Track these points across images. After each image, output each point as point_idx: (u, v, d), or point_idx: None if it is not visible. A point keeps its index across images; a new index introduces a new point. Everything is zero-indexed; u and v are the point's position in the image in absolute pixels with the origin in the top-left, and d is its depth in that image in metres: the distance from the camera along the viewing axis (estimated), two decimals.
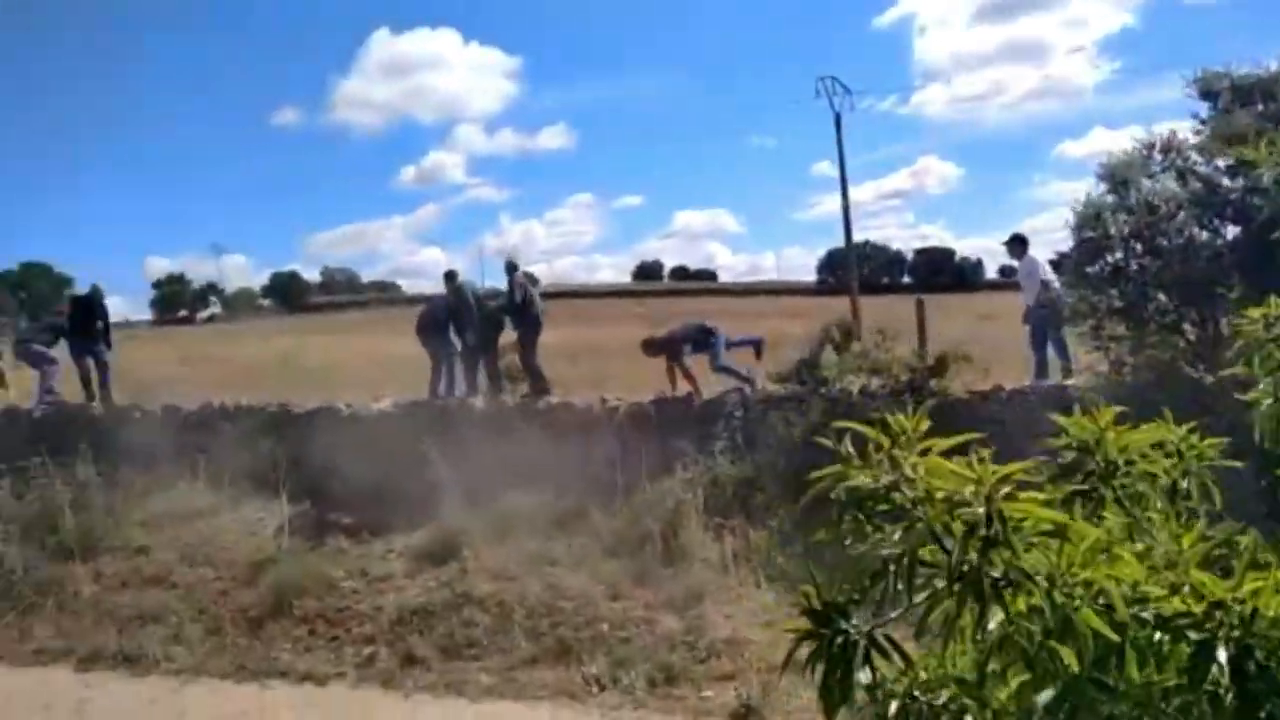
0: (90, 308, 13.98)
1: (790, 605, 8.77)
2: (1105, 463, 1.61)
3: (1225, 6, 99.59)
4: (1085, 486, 1.62)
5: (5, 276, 67.69)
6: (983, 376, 10.68)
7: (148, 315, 65.40)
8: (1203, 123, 9.10)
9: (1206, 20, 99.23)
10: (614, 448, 10.90)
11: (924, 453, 1.40)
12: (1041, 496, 1.33)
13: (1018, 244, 11.27)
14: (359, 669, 8.43)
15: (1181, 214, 8.88)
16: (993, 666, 1.38)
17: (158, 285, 74.42)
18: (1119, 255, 9.20)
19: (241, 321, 56.69)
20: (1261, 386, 1.83)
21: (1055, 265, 10.95)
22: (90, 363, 13.51)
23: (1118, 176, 9.13)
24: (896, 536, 1.35)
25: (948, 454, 1.41)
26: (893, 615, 1.37)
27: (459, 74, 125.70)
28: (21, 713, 7.77)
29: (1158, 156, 9.20)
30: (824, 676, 1.36)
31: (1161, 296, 9.27)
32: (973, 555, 1.28)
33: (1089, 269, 9.54)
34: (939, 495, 1.33)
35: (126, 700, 8.24)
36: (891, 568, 1.35)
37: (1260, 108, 8.67)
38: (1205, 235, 8.99)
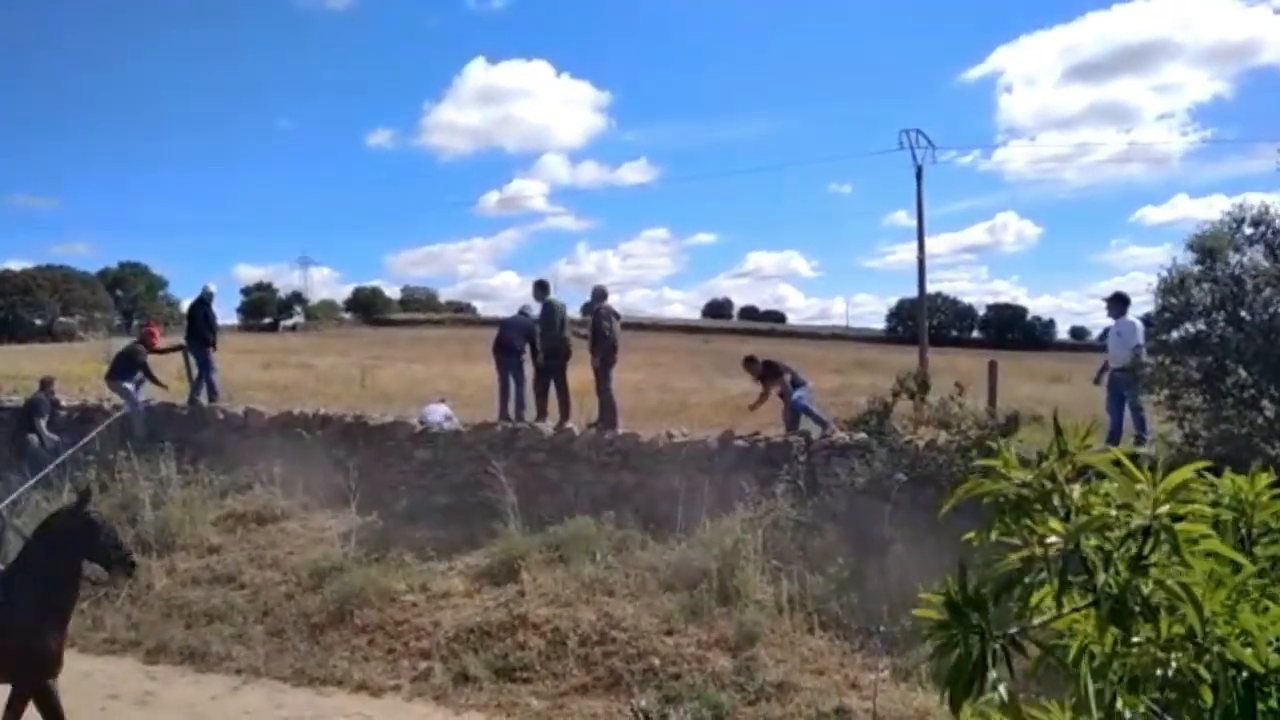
0: (195, 309, 14.38)
1: (843, 654, 8.62)
2: (1250, 527, 1.55)
3: None
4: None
5: (103, 274, 70.70)
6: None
7: (234, 320, 67.53)
8: None
9: None
10: (677, 482, 10.87)
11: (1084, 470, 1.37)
12: (1208, 512, 1.29)
13: (1119, 303, 10.87)
14: (414, 683, 8.47)
15: (1268, 289, 8.58)
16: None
17: (245, 292, 76.90)
18: (1201, 325, 8.90)
19: (323, 332, 58.11)
20: None
21: None
22: (194, 362, 13.89)
23: (1207, 246, 8.86)
24: (1050, 540, 1.31)
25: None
26: (1036, 622, 1.33)
27: (548, 105, 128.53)
28: (90, 700, 7.94)
29: (1247, 229, 8.91)
30: (952, 670, 1.32)
31: (1241, 371, 8.92)
32: (1124, 572, 1.24)
33: (1169, 337, 9.25)
34: (1096, 508, 1.30)
35: (189, 695, 8.40)
36: (1036, 574, 1.32)
37: None
38: None
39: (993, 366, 11.48)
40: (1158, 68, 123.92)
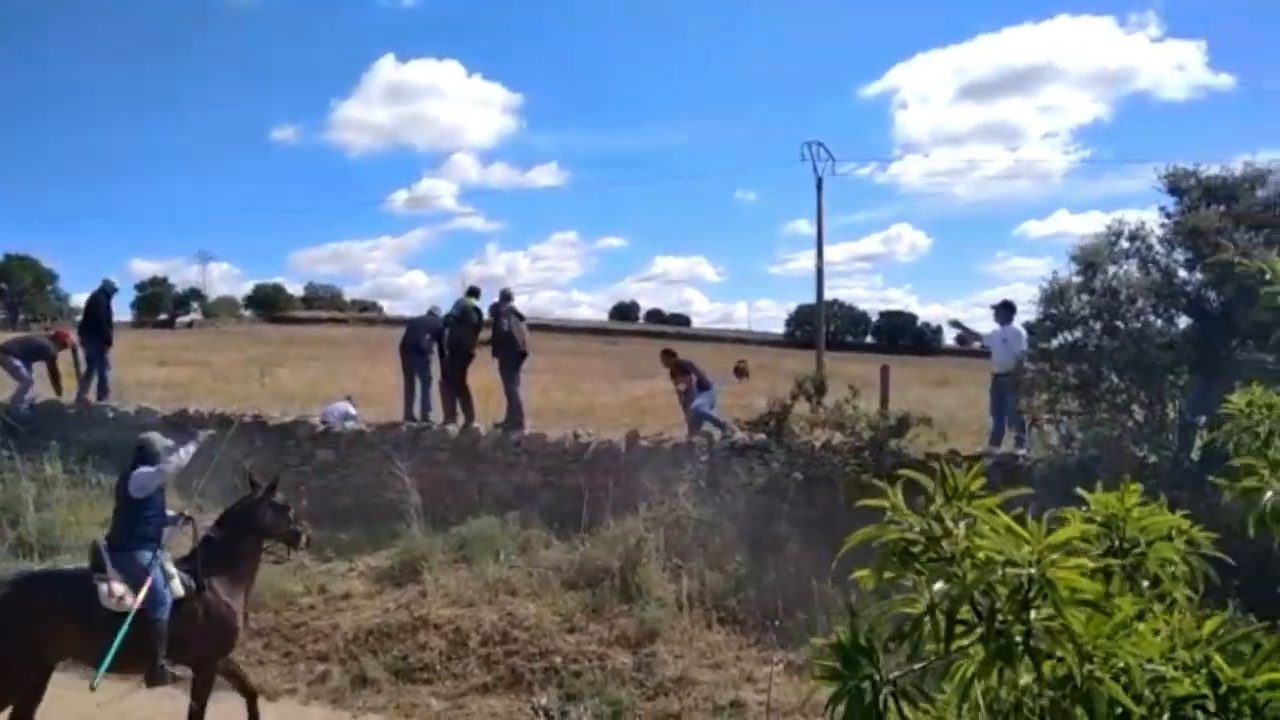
0: (95, 302, 13.50)
1: (739, 649, 8.71)
2: (1123, 540, 1.59)
3: (1193, 108, 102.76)
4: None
5: None
6: (940, 439, 10.74)
7: (128, 316, 64.47)
8: (1168, 216, 9.28)
9: (1175, 119, 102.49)
10: (582, 482, 10.83)
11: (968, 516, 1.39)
12: (1089, 564, 1.32)
13: (1006, 310, 11.30)
14: (310, 686, 8.19)
15: (1140, 301, 9.02)
16: None
17: (140, 287, 73.50)
18: (1079, 334, 9.30)
19: (222, 329, 55.94)
20: (1269, 477, 1.81)
21: None
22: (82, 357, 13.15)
23: (1087, 259, 9.26)
24: (937, 587, 1.33)
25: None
26: (916, 667, 1.35)
27: (459, 105, 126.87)
28: None
29: (1124, 244, 9.35)
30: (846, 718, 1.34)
31: (1114, 377, 9.35)
32: (1010, 615, 1.26)
33: (1049, 344, 9.63)
34: (982, 553, 1.31)
35: (75, 701, 7.91)
36: (926, 620, 1.33)
37: (1223, 208, 8.84)
38: (1160, 323, 9.12)
39: (885, 371, 11.77)
40: (1042, 90, 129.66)
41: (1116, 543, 1.58)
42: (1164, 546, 1.55)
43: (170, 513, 7.03)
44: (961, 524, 1.39)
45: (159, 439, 7.17)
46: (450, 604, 9.08)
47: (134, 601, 6.22)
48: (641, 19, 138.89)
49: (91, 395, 12.97)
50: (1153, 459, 9.01)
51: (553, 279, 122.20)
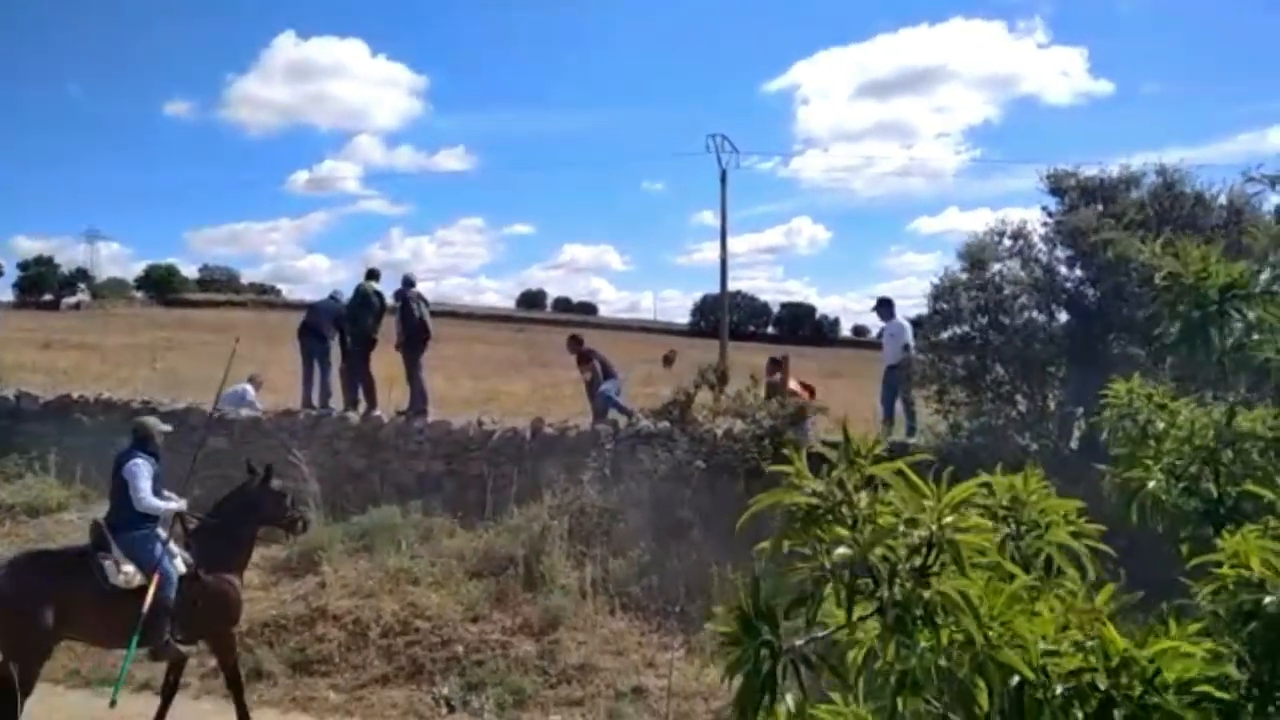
0: None
1: (641, 634, 8.74)
2: (1020, 523, 1.61)
3: (1076, 110, 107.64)
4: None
5: None
6: (835, 427, 10.99)
7: (10, 297, 60.76)
8: (1050, 215, 9.68)
9: (1059, 122, 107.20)
10: (486, 470, 10.69)
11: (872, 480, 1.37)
12: (988, 526, 1.31)
13: (885, 307, 11.69)
14: (203, 680, 7.86)
15: (1024, 297, 9.40)
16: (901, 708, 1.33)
17: (23, 266, 69.26)
18: (967, 328, 9.63)
19: (111, 311, 53.18)
20: (1153, 467, 1.86)
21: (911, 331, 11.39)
22: None
23: (973, 256, 9.59)
24: (838, 551, 1.30)
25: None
26: (821, 634, 1.32)
27: (363, 85, 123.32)
28: None
29: (1008, 242, 9.73)
30: (743, 686, 1.30)
31: (1000, 369, 9.73)
32: (908, 583, 1.24)
33: (939, 337, 9.95)
34: (883, 517, 1.29)
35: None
36: (825, 587, 1.30)
37: (1101, 207, 9.27)
38: (1042, 318, 9.52)
39: (785, 361, 11.96)
40: (937, 90, 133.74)
41: (1015, 526, 1.60)
42: (1060, 530, 1.57)
43: (170, 498, 6.90)
44: (863, 491, 1.37)
45: (155, 423, 7.21)
46: (350, 595, 8.85)
47: (141, 579, 6.40)
48: (551, 5, 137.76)
49: None
50: (1034, 447, 9.40)
51: (459, 265, 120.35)
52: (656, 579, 9.20)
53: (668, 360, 12.37)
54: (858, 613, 1.29)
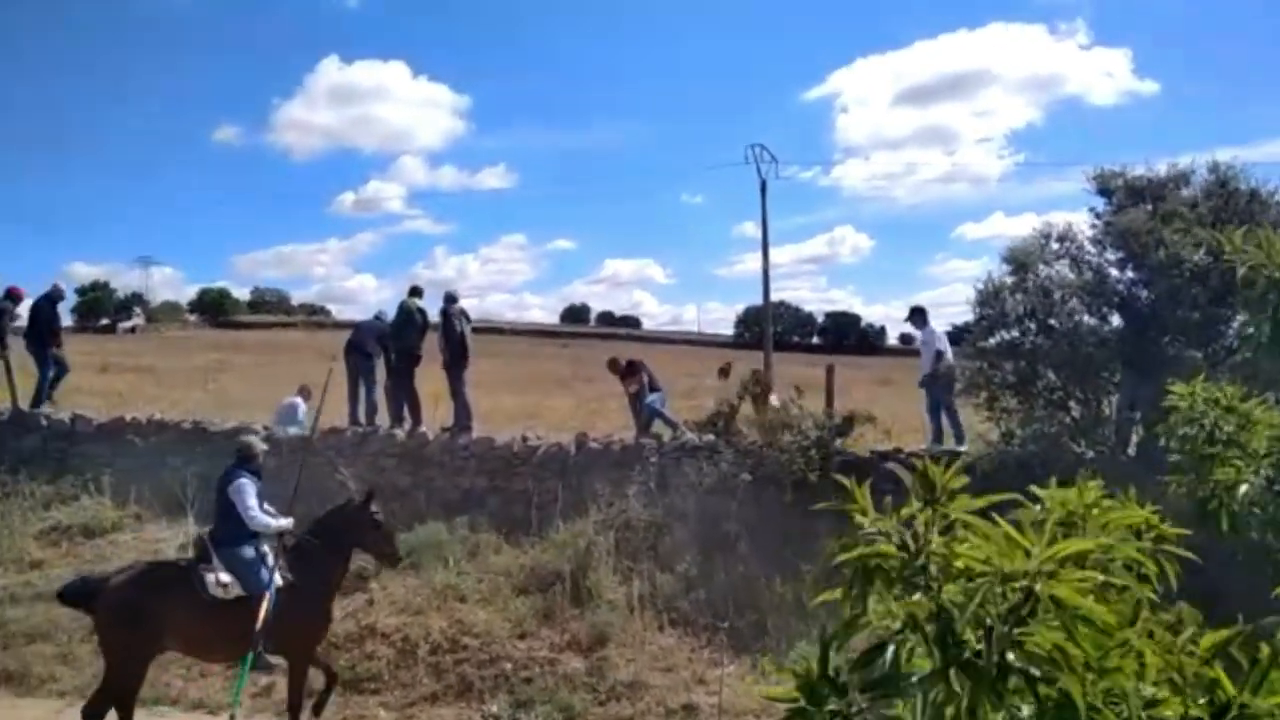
0: (36, 310, 12.77)
1: (691, 650, 8.62)
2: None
3: (1121, 111, 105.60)
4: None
5: None
6: (884, 437, 10.79)
7: (69, 321, 62.33)
8: (1098, 217, 9.42)
9: (1103, 123, 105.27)
10: (531, 485, 10.66)
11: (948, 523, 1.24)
12: (1094, 578, 1.18)
13: (918, 315, 11.46)
14: (254, 699, 7.91)
15: (1073, 300, 9.15)
16: None
17: (80, 292, 71.16)
18: (1015, 333, 9.40)
19: (165, 334, 54.45)
20: (1249, 470, 1.71)
21: (955, 338, 11.16)
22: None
23: (1018, 260, 9.37)
24: (916, 601, 1.18)
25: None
26: (897, 702, 1.18)
27: (405, 107, 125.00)
28: None
29: (1054, 245, 9.48)
30: None
31: (1050, 374, 9.48)
32: (1003, 641, 1.12)
33: (986, 344, 9.72)
34: (961, 561, 1.18)
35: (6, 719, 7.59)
36: (900, 642, 1.18)
37: (1150, 207, 9.00)
38: (1093, 321, 9.26)
39: (830, 371, 11.78)
40: (978, 95, 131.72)
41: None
42: (1129, 547, 1.42)
43: (269, 513, 7.06)
44: (935, 530, 1.25)
45: (258, 443, 7.46)
46: (398, 612, 8.87)
47: (239, 591, 6.61)
48: (587, 22, 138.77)
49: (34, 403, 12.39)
50: (1090, 454, 9.13)
51: (503, 282, 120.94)
52: (704, 593, 9.09)
53: (724, 372, 12.23)
54: (931, 667, 1.16)
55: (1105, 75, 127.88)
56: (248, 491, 6.86)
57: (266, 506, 7.07)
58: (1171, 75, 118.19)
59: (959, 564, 1.19)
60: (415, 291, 12.27)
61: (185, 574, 6.70)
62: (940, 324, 11.57)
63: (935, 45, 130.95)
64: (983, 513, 1.29)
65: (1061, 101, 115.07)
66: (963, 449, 10.19)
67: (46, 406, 12.37)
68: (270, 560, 6.81)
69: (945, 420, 10.97)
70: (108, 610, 6.49)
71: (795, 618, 8.25)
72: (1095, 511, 1.45)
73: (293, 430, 11.72)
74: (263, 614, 6.53)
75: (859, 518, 1.31)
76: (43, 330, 12.55)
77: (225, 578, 6.63)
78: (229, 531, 6.81)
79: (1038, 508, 1.44)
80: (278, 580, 6.75)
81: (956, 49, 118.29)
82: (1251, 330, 1.90)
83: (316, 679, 7.28)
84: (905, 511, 1.28)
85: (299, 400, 12.52)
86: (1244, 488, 1.69)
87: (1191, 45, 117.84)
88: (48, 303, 12.78)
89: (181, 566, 6.88)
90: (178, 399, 17.17)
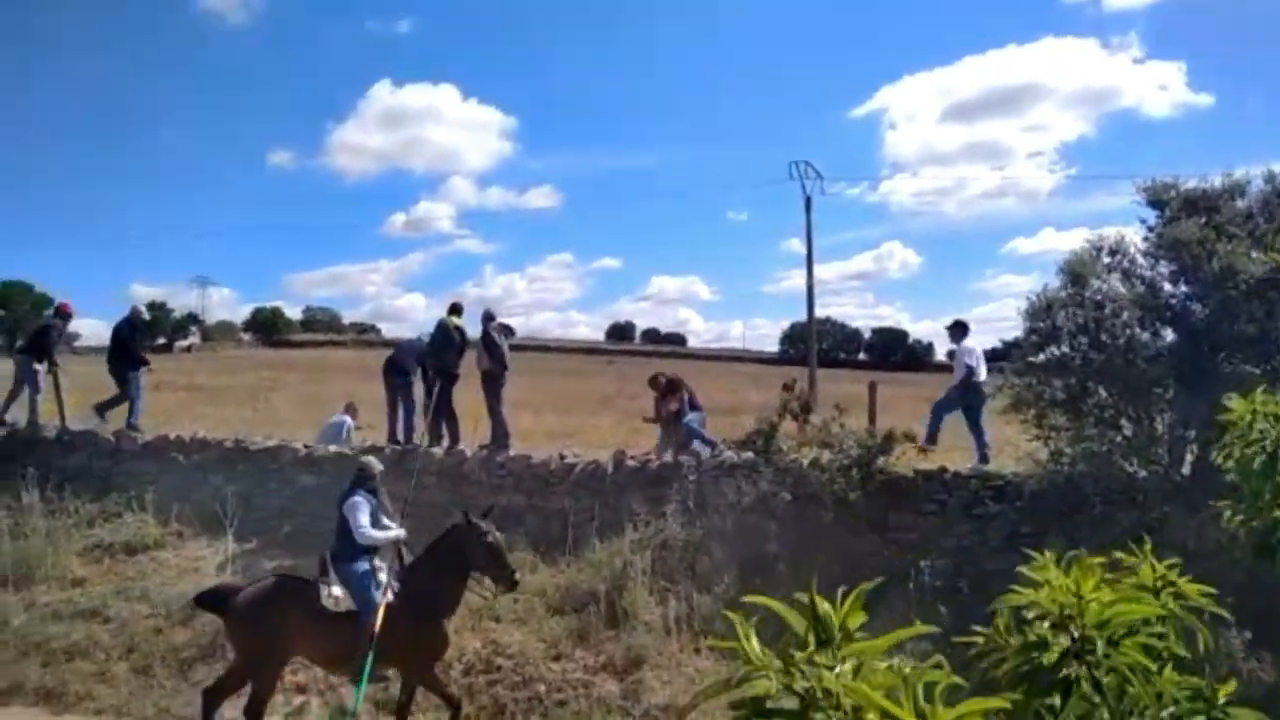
0: (116, 333, 13.14)
1: (729, 673, 8.40)
2: (1082, 638, 1.21)
3: (1175, 124, 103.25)
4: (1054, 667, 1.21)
5: None
6: (922, 456, 10.44)
7: None
8: (1150, 229, 9.08)
9: (1158, 136, 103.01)
10: (568, 504, 10.56)
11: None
12: None
13: (957, 329, 11.13)
14: (288, 719, 7.89)
15: (1125, 314, 8.80)
16: None
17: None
18: (1065, 348, 9.07)
19: (219, 353, 55.60)
20: None
21: (1003, 354, 10.82)
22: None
23: (1074, 272, 9.05)
24: None
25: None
26: None
27: (455, 129, 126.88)
28: None
29: (1106, 258, 9.15)
30: None
31: (1102, 391, 9.12)
32: None
33: (1036, 359, 9.39)
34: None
35: None
36: None
37: (1204, 219, 8.65)
38: (1146, 336, 8.89)
39: (873, 387, 11.54)
40: (1028, 109, 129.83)
41: (1075, 638, 1.21)
42: (1132, 646, 1.19)
43: (389, 526, 7.42)
44: (834, 676, 1.05)
45: (374, 463, 7.78)
46: None
47: (349, 604, 6.93)
48: (632, 42, 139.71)
49: (97, 423, 12.62)
50: (1142, 474, 8.77)
51: (550, 300, 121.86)
52: (742, 615, 8.87)
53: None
54: None
55: (1159, 88, 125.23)
56: (360, 509, 7.19)
57: (385, 521, 7.43)
58: (1228, 87, 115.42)
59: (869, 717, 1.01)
60: (454, 309, 12.27)
61: (307, 587, 7.06)
62: (989, 339, 11.26)
63: (984, 60, 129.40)
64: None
65: (1114, 115, 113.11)
66: (1012, 469, 9.86)
67: (104, 424, 12.58)
68: (382, 577, 7.08)
69: (970, 435, 10.63)
70: (237, 617, 6.98)
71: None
72: (1093, 606, 1.21)
73: (333, 449, 11.78)
74: (371, 628, 6.80)
75: (747, 659, 1.13)
76: (125, 352, 12.80)
77: (338, 591, 6.98)
78: (345, 548, 7.15)
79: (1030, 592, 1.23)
80: (388, 596, 6.99)
81: (1006, 64, 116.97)
82: None
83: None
84: (799, 655, 1.11)
85: (346, 419, 12.61)
86: None
87: (1246, 57, 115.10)
88: (128, 326, 13.07)
89: (306, 580, 7.22)
90: (226, 416, 17.42)
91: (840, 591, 1.14)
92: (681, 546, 9.58)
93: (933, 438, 10.63)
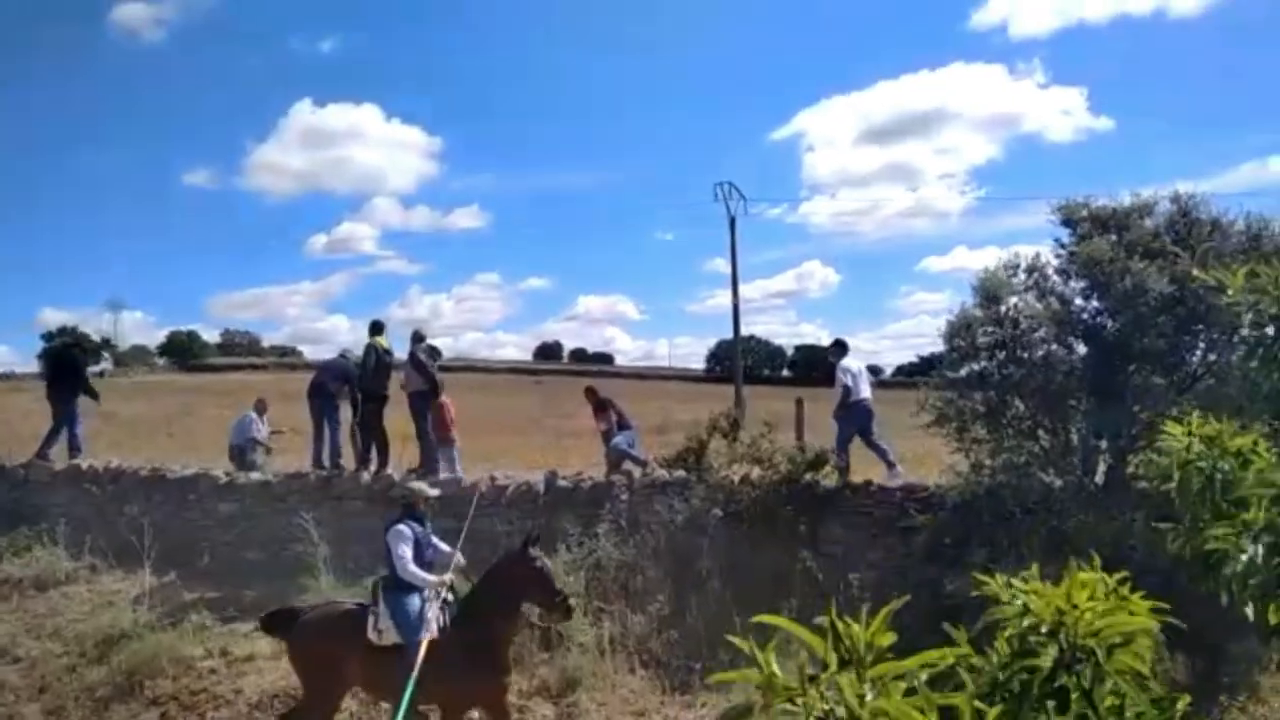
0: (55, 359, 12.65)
1: (663, 693, 8.35)
2: (1072, 647, 1.20)
3: (1078, 149, 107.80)
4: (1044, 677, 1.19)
5: None
6: (844, 471, 10.56)
7: (35, 368, 61.08)
8: (1063, 247, 9.41)
9: (1062, 159, 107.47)
10: (500, 526, 10.37)
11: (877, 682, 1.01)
12: None
13: (838, 348, 11.29)
14: None
15: (1041, 330, 9.09)
16: None
17: (47, 337, 69.80)
18: (985, 363, 9.32)
19: (133, 379, 53.44)
20: (1246, 539, 1.50)
21: (921, 369, 11.05)
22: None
23: (989, 291, 9.32)
24: None
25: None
26: None
27: (378, 149, 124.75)
28: None
29: (1022, 275, 9.45)
30: None
31: (1020, 404, 9.39)
32: None
33: (957, 374, 9.62)
34: None
35: None
36: None
37: (1115, 237, 9.00)
38: (1061, 351, 9.19)
39: (799, 404, 11.67)
40: (939, 133, 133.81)
41: (1066, 647, 1.19)
42: (1127, 655, 1.18)
43: (446, 551, 7.31)
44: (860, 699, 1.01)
45: (422, 490, 7.56)
46: None
47: (395, 637, 6.69)
48: (558, 64, 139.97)
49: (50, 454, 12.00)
50: (1059, 484, 9.02)
51: (477, 320, 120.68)
52: (676, 633, 8.85)
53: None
54: None
55: (1062, 113, 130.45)
56: (400, 540, 6.98)
57: (441, 544, 7.35)
58: (1126, 112, 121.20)
59: None
60: (376, 328, 11.92)
61: (360, 616, 6.89)
62: (906, 355, 11.51)
63: (897, 85, 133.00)
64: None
65: (1020, 138, 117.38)
66: (935, 482, 10.04)
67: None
68: (431, 609, 6.85)
69: (873, 452, 10.79)
70: (296, 643, 6.92)
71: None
72: (1086, 616, 1.20)
73: (255, 476, 11.39)
74: (412, 662, 6.52)
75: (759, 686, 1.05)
76: (75, 378, 12.21)
77: (384, 623, 6.77)
78: (393, 577, 6.95)
79: (1018, 602, 1.20)
80: (433, 630, 6.76)
81: (918, 89, 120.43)
82: (1255, 363, 1.75)
83: None
84: (823, 676, 1.05)
85: (251, 414, 12.32)
86: (1243, 558, 1.49)
87: (1143, 84, 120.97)
88: (78, 350, 12.57)
89: (360, 608, 7.03)
90: (139, 445, 16.71)
91: (864, 610, 1.09)
92: (615, 566, 9.52)
93: (844, 470, 10.62)
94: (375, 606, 6.86)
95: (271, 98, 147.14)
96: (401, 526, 7.06)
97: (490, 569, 7.12)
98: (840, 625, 1.06)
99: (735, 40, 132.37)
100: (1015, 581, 1.24)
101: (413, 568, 6.89)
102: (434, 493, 7.56)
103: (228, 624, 9.16)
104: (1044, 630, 1.06)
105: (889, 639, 1.05)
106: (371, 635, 6.73)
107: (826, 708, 0.99)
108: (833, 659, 1.03)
